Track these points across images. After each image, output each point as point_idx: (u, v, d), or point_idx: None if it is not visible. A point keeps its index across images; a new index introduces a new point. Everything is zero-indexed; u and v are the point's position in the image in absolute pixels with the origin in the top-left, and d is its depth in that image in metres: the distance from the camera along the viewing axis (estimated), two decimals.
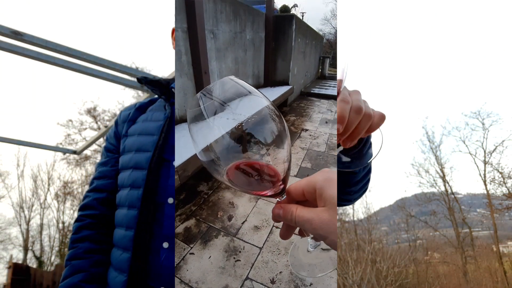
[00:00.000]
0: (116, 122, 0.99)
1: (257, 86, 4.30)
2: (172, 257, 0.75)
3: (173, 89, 0.95)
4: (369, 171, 0.69)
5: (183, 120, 2.65)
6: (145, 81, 0.96)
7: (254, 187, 0.39)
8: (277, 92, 3.92)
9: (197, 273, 1.63)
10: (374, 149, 0.59)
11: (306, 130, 3.78)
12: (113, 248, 0.83)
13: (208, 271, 1.65)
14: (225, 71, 3.34)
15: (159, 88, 0.96)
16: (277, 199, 0.42)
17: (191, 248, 1.83)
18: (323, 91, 7.31)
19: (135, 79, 2.79)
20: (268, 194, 0.40)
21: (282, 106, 4.69)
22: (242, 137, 0.35)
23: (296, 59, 5.26)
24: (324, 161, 3.12)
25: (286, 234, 0.42)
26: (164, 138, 0.85)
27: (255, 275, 1.63)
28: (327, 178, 0.37)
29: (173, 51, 0.95)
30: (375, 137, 0.58)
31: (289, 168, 0.40)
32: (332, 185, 0.36)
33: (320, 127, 4.22)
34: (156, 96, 0.99)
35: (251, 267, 1.68)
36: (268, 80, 4.50)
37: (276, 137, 0.37)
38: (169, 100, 0.93)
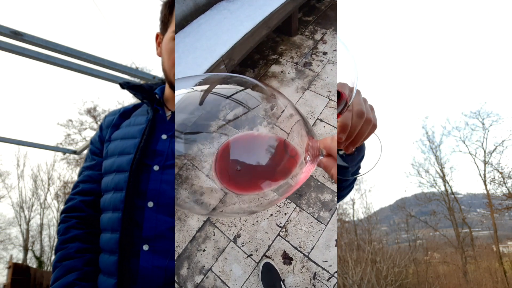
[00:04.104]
0: (101, 127, 0.99)
1: None
2: (153, 260, 0.75)
3: (156, 95, 0.95)
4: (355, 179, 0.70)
5: None
6: (127, 86, 0.96)
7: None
8: None
9: None
10: (372, 157, 0.57)
11: None
12: (101, 253, 0.83)
13: None
14: None
15: (141, 93, 0.96)
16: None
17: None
18: None
19: (135, 79, 2.80)
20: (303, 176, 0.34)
21: None
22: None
23: None
24: None
25: None
26: (145, 141, 0.85)
27: None
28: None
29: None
30: (373, 145, 0.57)
31: (307, 127, 0.33)
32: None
33: None
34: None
35: None
36: None
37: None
38: (153, 104, 0.93)
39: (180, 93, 0.30)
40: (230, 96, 0.30)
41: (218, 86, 0.31)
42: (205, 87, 0.31)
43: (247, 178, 0.30)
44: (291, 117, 0.32)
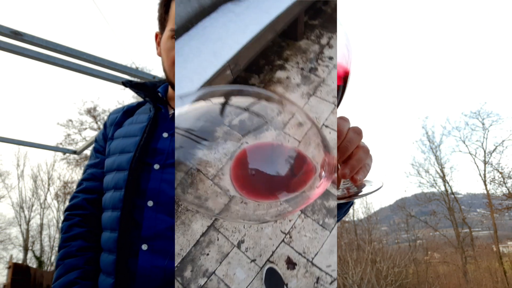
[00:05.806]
0: (105, 125, 0.99)
1: None
2: (152, 260, 0.74)
3: (159, 93, 0.95)
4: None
5: None
6: (130, 85, 0.96)
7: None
8: None
9: None
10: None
11: None
12: (102, 251, 0.83)
13: None
14: None
15: (144, 91, 0.95)
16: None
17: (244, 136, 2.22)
18: None
19: (135, 79, 2.79)
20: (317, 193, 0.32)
21: None
22: None
23: None
24: None
25: None
26: (146, 139, 0.84)
27: None
28: None
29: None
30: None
31: (321, 136, 0.32)
32: None
33: None
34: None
35: None
36: None
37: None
38: (155, 103, 0.93)
39: (180, 112, 0.30)
40: (247, 108, 0.30)
41: (233, 98, 0.31)
42: (221, 99, 0.30)
43: (261, 185, 0.29)
44: (303, 126, 0.30)
